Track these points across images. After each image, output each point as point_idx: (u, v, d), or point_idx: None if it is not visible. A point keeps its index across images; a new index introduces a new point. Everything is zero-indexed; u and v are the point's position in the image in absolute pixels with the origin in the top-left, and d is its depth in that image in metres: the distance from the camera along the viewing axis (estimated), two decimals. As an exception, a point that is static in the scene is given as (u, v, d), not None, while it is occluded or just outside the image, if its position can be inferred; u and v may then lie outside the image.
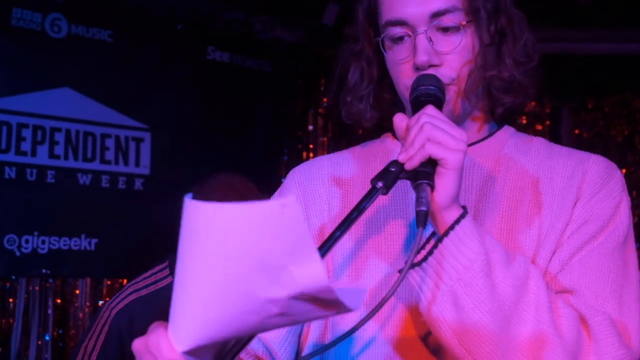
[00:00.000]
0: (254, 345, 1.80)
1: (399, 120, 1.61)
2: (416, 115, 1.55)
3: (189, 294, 1.28)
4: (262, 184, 4.86)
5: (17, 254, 4.48)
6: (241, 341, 1.41)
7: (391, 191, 1.52)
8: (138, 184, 5.01)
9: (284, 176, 6.50)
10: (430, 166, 1.50)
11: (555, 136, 6.95)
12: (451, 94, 1.72)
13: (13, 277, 4.55)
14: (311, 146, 6.14)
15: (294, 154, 6.01)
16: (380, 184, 1.48)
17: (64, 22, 4.74)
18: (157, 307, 3.12)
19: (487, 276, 1.51)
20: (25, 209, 4.56)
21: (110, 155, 4.91)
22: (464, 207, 1.56)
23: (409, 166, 1.50)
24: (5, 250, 4.45)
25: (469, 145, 1.77)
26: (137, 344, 1.36)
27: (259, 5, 5.52)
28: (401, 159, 1.51)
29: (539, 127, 6.95)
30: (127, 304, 3.30)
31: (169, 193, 5.12)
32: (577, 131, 7.00)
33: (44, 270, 4.60)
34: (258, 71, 5.69)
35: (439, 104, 1.63)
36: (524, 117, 6.92)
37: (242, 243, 1.21)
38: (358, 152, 1.96)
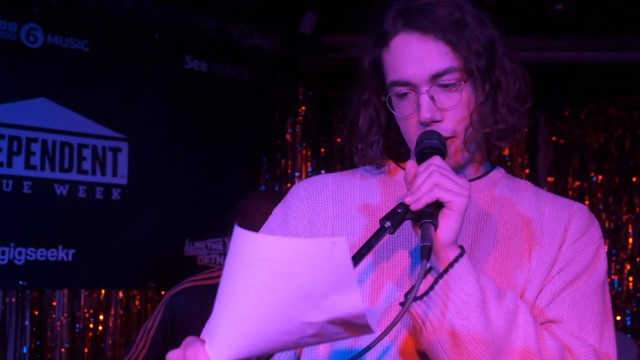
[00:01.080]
0: None
1: (410, 167, 1.76)
2: (425, 164, 1.73)
3: (231, 311, 1.39)
4: (241, 192, 4.88)
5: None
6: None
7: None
8: (115, 194, 4.98)
9: (263, 184, 6.48)
10: (434, 208, 1.67)
11: (532, 143, 7.00)
12: (452, 147, 1.87)
13: (-11, 289, 4.52)
14: (289, 154, 6.13)
15: (273, 163, 6.01)
16: (388, 224, 1.65)
17: (40, 32, 4.71)
18: (208, 299, 3.18)
19: (482, 310, 1.68)
20: (1, 220, 4.52)
21: (87, 165, 4.88)
22: (461, 247, 1.72)
23: (415, 207, 1.67)
24: (-18, 262, 4.41)
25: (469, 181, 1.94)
26: (174, 357, 1.46)
27: (237, 13, 5.52)
28: (408, 201, 1.68)
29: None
30: (182, 289, 3.69)
31: (146, 203, 5.17)
32: (554, 138, 7.05)
33: (20, 282, 4.56)
34: (236, 79, 5.68)
35: (441, 155, 1.79)
36: (501, 125, 6.95)
37: (290, 274, 1.33)
38: (360, 175, 2.08)
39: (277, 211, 2.05)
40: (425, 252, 1.61)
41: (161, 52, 5.30)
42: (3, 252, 4.47)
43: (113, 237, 4.91)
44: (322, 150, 6.24)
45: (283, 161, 6.10)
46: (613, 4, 5.27)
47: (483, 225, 1.94)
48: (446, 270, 1.69)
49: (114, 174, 4.98)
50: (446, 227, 1.68)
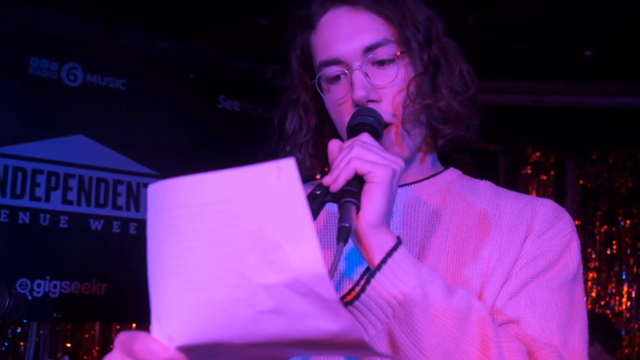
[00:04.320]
0: None
1: (333, 146, 1.54)
2: (349, 140, 1.50)
3: (171, 284, 1.18)
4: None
5: (29, 297, 4.52)
6: None
7: (325, 217, 1.50)
8: (148, 229, 5.05)
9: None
10: (356, 185, 1.43)
11: (560, 186, 7.01)
12: (392, 133, 1.68)
13: (24, 320, 4.59)
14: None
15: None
16: None
17: (79, 71, 4.84)
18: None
19: (423, 311, 1.40)
20: (38, 253, 4.61)
21: (121, 201, 4.98)
22: (398, 238, 1.45)
23: (334, 187, 1.43)
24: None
25: (415, 182, 1.77)
26: (116, 357, 1.21)
27: (270, 54, 5.61)
28: (326, 181, 1.44)
29: (544, 177, 7.02)
30: None
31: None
32: (581, 182, 7.06)
33: (54, 315, 4.65)
34: (268, 119, 5.74)
35: (375, 134, 1.57)
36: (528, 167, 6.98)
37: (237, 215, 1.10)
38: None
39: None
40: (342, 234, 1.35)
41: (195, 92, 5.42)
42: (39, 285, 4.56)
43: (145, 272, 4.96)
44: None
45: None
46: (641, 50, 5.32)
47: (433, 228, 1.70)
48: (378, 268, 1.40)
49: (148, 210, 5.05)
50: (369, 204, 1.41)
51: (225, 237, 1.10)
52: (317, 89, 1.75)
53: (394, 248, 1.42)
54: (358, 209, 1.41)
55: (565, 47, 5.36)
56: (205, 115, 5.48)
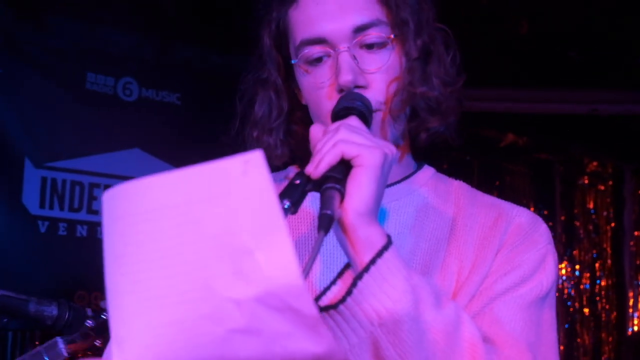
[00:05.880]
0: None
1: (315, 131, 1.39)
2: (335, 124, 1.35)
3: (128, 303, 1.03)
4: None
5: (87, 310, 4.58)
6: None
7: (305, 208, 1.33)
8: (203, 242, 5.10)
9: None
10: (340, 171, 1.27)
11: (618, 196, 6.91)
12: (377, 120, 1.53)
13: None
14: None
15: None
16: (287, 203, 1.21)
17: (135, 86, 4.91)
18: None
19: (414, 321, 1.25)
20: (95, 266, 4.66)
21: (177, 214, 5.01)
22: (388, 236, 1.30)
23: (316, 174, 1.26)
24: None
25: (390, 185, 1.59)
26: None
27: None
28: (308, 169, 1.27)
29: (602, 187, 6.92)
30: None
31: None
32: (640, 192, 6.96)
33: (112, 326, 4.68)
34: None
35: (364, 120, 1.42)
36: (585, 178, 6.89)
37: (200, 219, 0.97)
38: None
39: None
40: (323, 222, 1.18)
41: (249, 105, 5.42)
42: (96, 297, 4.61)
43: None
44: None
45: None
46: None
47: (403, 242, 1.54)
48: (366, 269, 1.25)
49: (202, 222, 5.09)
50: (357, 191, 1.24)
51: (186, 244, 0.97)
52: (296, 71, 1.59)
53: (385, 247, 1.27)
54: (342, 196, 1.25)
55: (620, 55, 5.29)
56: (259, 128, 5.48)
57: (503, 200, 1.64)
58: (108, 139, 4.79)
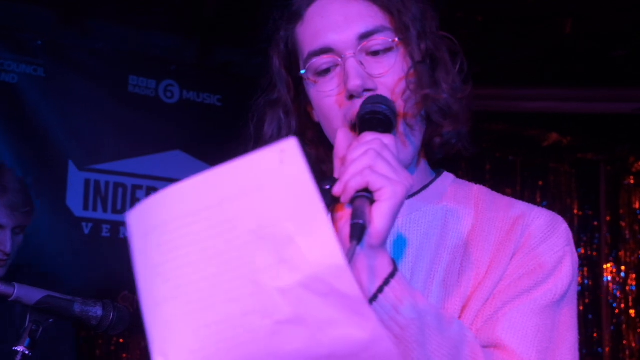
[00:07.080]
0: None
1: (342, 137, 1.39)
2: (366, 136, 1.34)
3: (171, 310, 1.03)
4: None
5: (131, 310, 4.62)
6: None
7: None
8: (245, 243, 5.11)
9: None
10: (366, 191, 1.27)
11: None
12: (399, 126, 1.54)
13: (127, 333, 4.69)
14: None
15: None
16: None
17: (176, 88, 4.95)
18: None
19: (421, 347, 1.28)
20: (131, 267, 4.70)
21: (218, 215, 5.04)
22: (394, 262, 1.31)
23: (345, 198, 1.27)
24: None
25: (412, 195, 1.63)
26: None
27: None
28: (336, 191, 1.28)
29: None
30: None
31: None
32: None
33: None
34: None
35: (389, 126, 1.43)
36: (631, 177, 6.80)
37: (236, 216, 0.97)
38: None
39: None
40: (356, 231, 1.18)
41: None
42: (139, 298, 4.66)
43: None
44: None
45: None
46: None
47: (423, 252, 1.57)
48: (374, 297, 1.26)
49: (244, 224, 5.11)
50: (373, 223, 1.25)
51: (225, 242, 0.97)
52: (305, 84, 1.61)
53: (391, 275, 1.29)
54: (372, 203, 1.25)
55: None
56: (299, 129, 5.49)
57: (523, 202, 1.64)
58: (150, 141, 4.84)
